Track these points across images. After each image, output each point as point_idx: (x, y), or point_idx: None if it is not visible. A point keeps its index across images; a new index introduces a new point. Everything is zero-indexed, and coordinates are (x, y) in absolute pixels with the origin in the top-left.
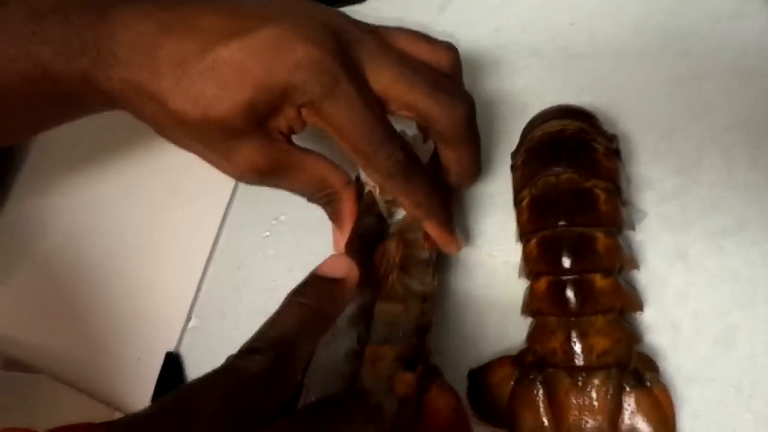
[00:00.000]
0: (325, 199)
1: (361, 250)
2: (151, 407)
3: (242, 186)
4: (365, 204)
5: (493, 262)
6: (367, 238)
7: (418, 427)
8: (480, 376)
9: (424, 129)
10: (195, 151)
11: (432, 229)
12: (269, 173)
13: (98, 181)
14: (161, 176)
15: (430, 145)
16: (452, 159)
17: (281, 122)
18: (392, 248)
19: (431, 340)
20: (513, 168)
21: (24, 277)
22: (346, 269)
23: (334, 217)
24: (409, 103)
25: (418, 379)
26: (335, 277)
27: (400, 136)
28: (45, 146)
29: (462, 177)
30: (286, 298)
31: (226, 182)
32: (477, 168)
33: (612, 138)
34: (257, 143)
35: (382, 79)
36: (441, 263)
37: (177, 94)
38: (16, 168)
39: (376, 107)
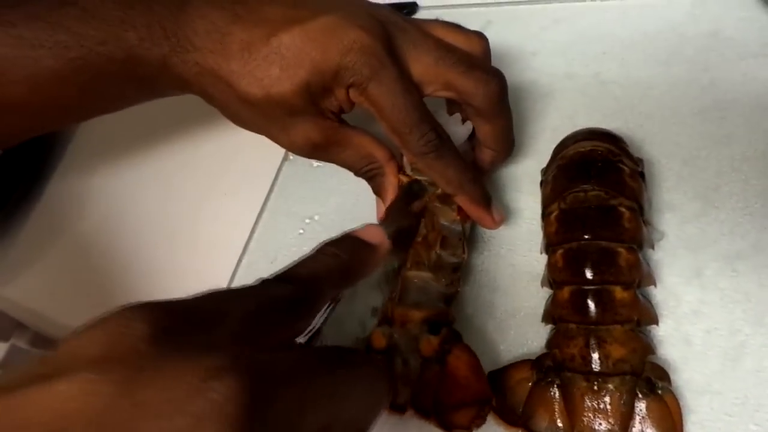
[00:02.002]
0: (370, 173)
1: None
2: (192, 298)
3: (279, 184)
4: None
5: (516, 271)
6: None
7: (442, 382)
8: (499, 377)
9: (462, 108)
10: (256, 128)
11: (464, 204)
12: (321, 147)
13: (138, 170)
14: (200, 170)
15: (468, 126)
16: (488, 132)
17: (332, 102)
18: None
19: (456, 307)
20: (543, 183)
21: (59, 257)
22: (380, 238)
23: (378, 189)
24: (446, 82)
25: (441, 342)
26: (369, 241)
27: (433, 118)
28: (88, 133)
29: (498, 150)
30: (319, 245)
31: (264, 180)
32: (511, 140)
33: (638, 161)
34: (312, 120)
35: (422, 63)
36: (473, 240)
37: (244, 75)
38: (60, 152)
39: (414, 92)
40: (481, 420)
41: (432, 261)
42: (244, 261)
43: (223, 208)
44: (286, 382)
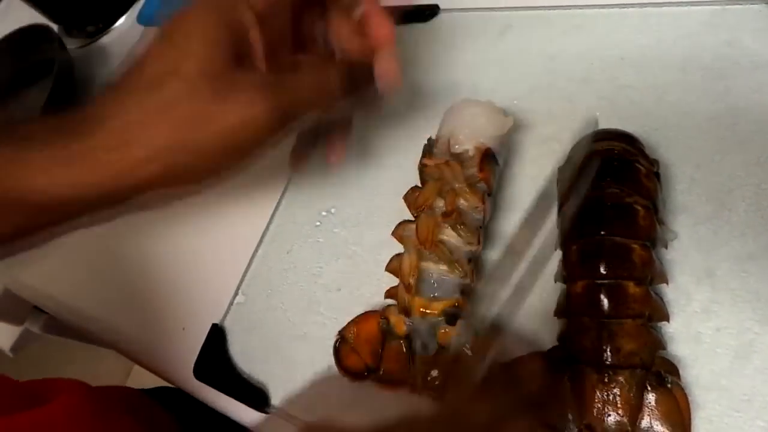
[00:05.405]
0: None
1: None
2: None
3: (297, 177)
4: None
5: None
6: None
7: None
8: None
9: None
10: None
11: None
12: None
13: None
14: None
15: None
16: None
17: (246, 45)
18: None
19: (472, 301)
20: (560, 181)
21: (76, 243)
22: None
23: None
24: None
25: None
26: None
27: None
28: None
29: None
30: None
31: (282, 172)
32: None
33: (653, 162)
34: (249, 88)
35: None
36: (489, 236)
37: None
38: None
39: None
40: None
41: (446, 253)
42: (260, 252)
43: (241, 199)
44: None
